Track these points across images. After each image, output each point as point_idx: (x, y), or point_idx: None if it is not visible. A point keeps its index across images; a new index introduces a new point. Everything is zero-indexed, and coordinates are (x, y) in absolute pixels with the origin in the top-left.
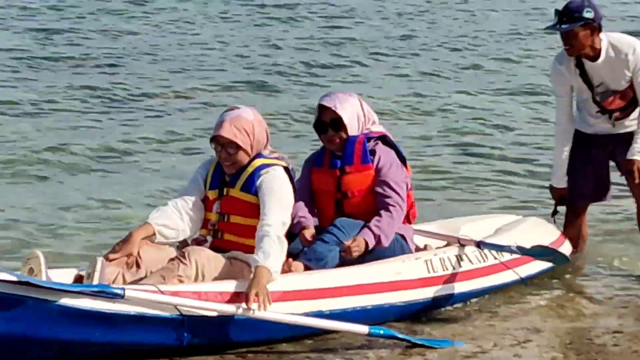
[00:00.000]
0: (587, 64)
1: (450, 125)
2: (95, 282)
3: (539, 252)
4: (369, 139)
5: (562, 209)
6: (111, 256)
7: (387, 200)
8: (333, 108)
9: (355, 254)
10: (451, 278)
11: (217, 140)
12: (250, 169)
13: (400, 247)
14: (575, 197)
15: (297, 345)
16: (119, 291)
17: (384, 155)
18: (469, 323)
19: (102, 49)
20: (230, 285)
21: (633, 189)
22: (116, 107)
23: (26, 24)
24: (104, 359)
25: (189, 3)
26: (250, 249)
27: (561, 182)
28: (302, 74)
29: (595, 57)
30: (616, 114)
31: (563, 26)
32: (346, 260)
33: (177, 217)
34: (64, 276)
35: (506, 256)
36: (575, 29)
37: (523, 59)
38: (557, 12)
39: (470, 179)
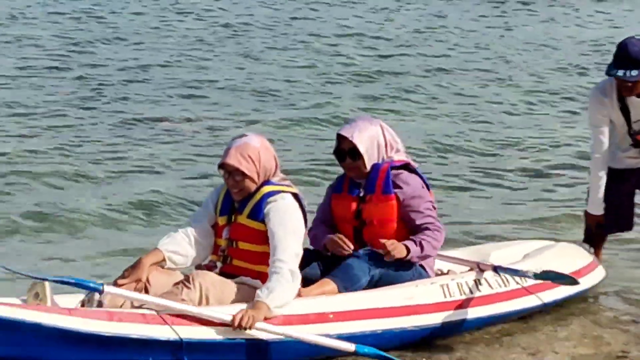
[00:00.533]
0: (630, 99)
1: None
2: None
3: (552, 276)
4: (392, 167)
5: None
6: (120, 281)
7: (428, 225)
8: (350, 138)
9: (395, 254)
10: (467, 303)
11: (224, 168)
12: (257, 196)
13: (418, 275)
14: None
15: None
16: (97, 286)
17: (412, 184)
18: (473, 348)
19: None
20: (229, 310)
21: None
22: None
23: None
24: None
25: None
26: (259, 275)
27: (598, 209)
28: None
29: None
30: None
31: (633, 73)
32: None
33: (186, 244)
34: (69, 302)
35: (529, 281)
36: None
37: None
38: (618, 57)
39: (503, 204)
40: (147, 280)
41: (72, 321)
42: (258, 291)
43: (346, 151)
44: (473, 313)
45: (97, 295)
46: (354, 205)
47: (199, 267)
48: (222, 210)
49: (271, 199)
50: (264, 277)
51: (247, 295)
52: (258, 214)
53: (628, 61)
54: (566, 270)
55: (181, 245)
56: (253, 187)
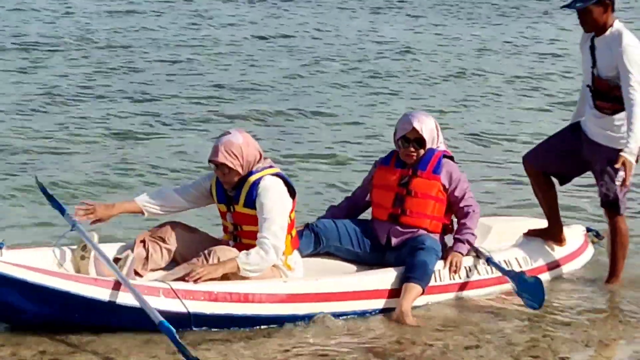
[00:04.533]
0: (597, 39)
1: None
2: (124, 272)
3: (525, 296)
4: (443, 156)
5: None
6: (83, 208)
7: (467, 208)
8: (419, 130)
9: (459, 267)
10: (454, 287)
11: (214, 163)
12: (247, 186)
13: None
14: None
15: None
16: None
17: (455, 171)
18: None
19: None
20: (240, 287)
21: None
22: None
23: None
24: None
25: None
26: None
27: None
28: None
29: (604, 32)
30: (599, 102)
31: (578, 4)
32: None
33: (160, 198)
34: (112, 249)
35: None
36: (589, 7)
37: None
38: None
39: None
40: (170, 233)
41: (97, 291)
42: (240, 254)
43: (412, 140)
44: (457, 296)
45: (130, 257)
46: (400, 176)
47: (219, 241)
48: (219, 197)
49: (259, 185)
50: None
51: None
52: (251, 201)
53: None
54: (557, 253)
55: (156, 199)
56: (237, 177)
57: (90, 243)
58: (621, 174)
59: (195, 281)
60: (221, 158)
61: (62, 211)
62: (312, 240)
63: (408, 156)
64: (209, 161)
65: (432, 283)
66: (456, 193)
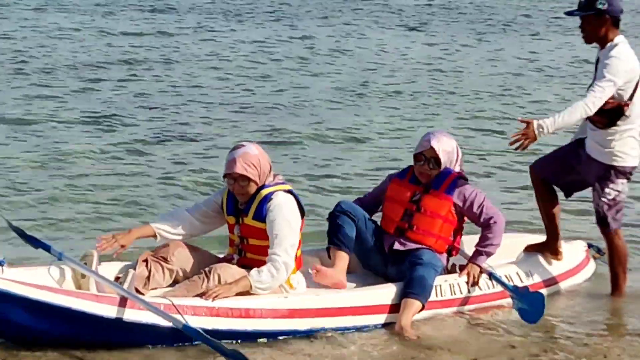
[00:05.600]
0: (599, 52)
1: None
2: (126, 286)
3: (523, 314)
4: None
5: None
6: (103, 239)
7: (488, 220)
8: (437, 150)
9: (477, 279)
10: (454, 302)
11: (231, 176)
12: (258, 199)
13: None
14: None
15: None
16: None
17: (467, 189)
18: None
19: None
20: (241, 302)
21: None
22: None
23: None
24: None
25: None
26: None
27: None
28: None
29: (605, 46)
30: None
31: (575, 12)
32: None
33: (175, 220)
34: (111, 270)
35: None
36: (587, 17)
37: None
38: (580, 1)
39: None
40: (172, 253)
41: (99, 307)
42: (252, 271)
43: (428, 158)
44: (459, 310)
45: (130, 273)
46: (413, 192)
47: (220, 259)
48: (229, 210)
49: (270, 199)
50: None
51: None
52: (261, 214)
53: (580, 2)
54: (558, 268)
55: (170, 222)
56: (255, 189)
57: (83, 268)
58: (608, 190)
59: (213, 299)
60: (240, 170)
61: (47, 248)
62: (348, 220)
63: (422, 174)
64: (225, 175)
65: (433, 298)
66: (474, 209)
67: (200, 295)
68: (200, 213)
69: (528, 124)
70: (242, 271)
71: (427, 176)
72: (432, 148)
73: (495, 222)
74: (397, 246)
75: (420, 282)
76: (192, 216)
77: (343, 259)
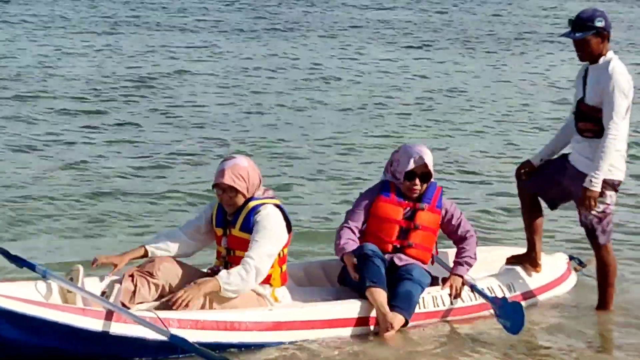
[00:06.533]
0: (590, 67)
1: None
2: (112, 300)
3: (507, 324)
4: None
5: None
6: (99, 258)
7: (466, 233)
8: (429, 166)
9: (459, 290)
10: (438, 314)
11: (219, 186)
12: (246, 211)
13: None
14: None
15: None
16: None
17: (447, 202)
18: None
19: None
20: (226, 315)
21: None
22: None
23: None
24: None
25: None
26: None
27: (535, 159)
28: None
29: (597, 61)
30: (581, 123)
31: (577, 34)
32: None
33: (169, 240)
34: (96, 285)
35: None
36: (587, 37)
37: None
38: (570, 21)
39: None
40: (158, 268)
41: (86, 321)
42: (221, 272)
43: (419, 174)
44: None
45: (116, 287)
46: (406, 210)
47: (206, 274)
48: (217, 222)
49: (258, 211)
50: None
51: (247, 298)
52: (248, 226)
53: (575, 23)
54: (539, 280)
55: (163, 242)
56: (242, 200)
57: (68, 285)
58: (598, 206)
59: (185, 307)
60: (228, 180)
61: (32, 267)
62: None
63: (412, 190)
64: (214, 185)
65: (416, 310)
66: (453, 222)
67: (171, 305)
68: (194, 229)
69: (586, 190)
70: None
71: (417, 191)
72: (425, 165)
73: (472, 235)
74: (396, 261)
75: (406, 297)
76: (185, 235)
77: (384, 296)
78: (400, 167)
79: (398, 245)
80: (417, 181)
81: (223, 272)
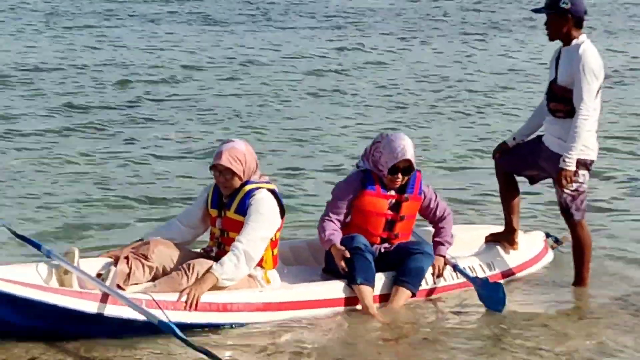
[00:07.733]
0: (563, 49)
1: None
2: (108, 282)
3: (493, 293)
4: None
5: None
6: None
7: (443, 213)
8: (412, 159)
9: (441, 270)
10: (422, 294)
11: (216, 168)
12: (241, 194)
13: None
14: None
15: None
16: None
17: (426, 187)
18: None
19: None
20: (219, 297)
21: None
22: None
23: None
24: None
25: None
26: None
27: (509, 140)
28: None
29: (569, 44)
30: (553, 104)
31: (541, 9)
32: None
33: (166, 231)
34: (93, 266)
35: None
36: (550, 15)
37: None
38: None
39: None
40: (152, 251)
41: (83, 304)
42: (213, 264)
43: (401, 169)
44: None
45: (112, 271)
46: (391, 202)
47: (199, 254)
48: (213, 203)
49: (253, 194)
50: None
51: (240, 281)
52: (243, 208)
53: (546, 1)
54: (518, 258)
55: (163, 235)
56: (238, 183)
57: (71, 267)
58: (571, 185)
59: (195, 306)
60: (226, 162)
61: (38, 246)
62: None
63: (395, 182)
64: (212, 166)
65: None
66: (431, 205)
67: (184, 308)
68: (193, 216)
69: (561, 170)
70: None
71: (399, 184)
72: (408, 160)
73: (449, 213)
74: (384, 250)
75: (417, 273)
76: (183, 225)
77: (372, 294)
78: (383, 160)
79: (385, 237)
80: (400, 175)
81: (216, 265)
